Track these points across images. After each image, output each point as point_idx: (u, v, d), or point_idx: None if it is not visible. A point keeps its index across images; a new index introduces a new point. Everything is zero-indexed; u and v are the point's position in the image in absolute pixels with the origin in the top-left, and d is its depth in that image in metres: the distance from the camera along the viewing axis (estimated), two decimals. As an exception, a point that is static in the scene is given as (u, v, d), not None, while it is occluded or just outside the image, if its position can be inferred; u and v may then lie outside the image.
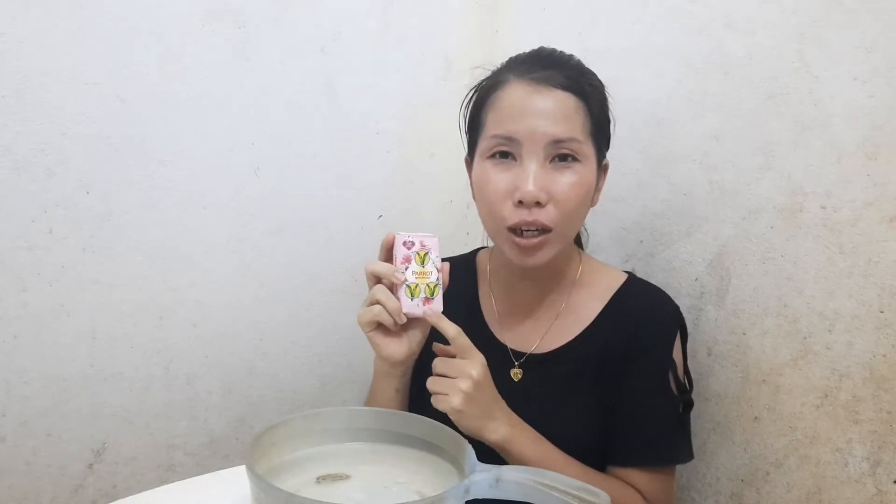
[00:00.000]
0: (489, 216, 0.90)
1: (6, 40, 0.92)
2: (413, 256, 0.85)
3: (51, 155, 0.97)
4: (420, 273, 0.84)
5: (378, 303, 0.84)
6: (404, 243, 0.85)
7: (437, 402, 0.82)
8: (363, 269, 0.87)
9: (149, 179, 1.05)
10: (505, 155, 0.88)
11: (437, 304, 0.85)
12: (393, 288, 0.85)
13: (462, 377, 0.81)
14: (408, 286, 0.84)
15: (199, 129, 1.08)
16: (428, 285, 0.85)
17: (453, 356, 0.84)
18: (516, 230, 0.87)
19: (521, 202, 0.85)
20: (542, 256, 0.88)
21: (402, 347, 0.87)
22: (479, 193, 0.92)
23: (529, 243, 0.87)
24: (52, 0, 0.94)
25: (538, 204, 0.85)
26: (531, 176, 0.85)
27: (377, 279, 0.86)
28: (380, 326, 0.86)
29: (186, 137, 1.07)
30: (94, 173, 1.00)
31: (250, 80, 1.11)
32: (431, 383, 0.83)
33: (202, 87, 1.07)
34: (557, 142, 0.86)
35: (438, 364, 0.84)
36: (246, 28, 1.09)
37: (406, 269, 0.84)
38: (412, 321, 0.86)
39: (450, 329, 0.83)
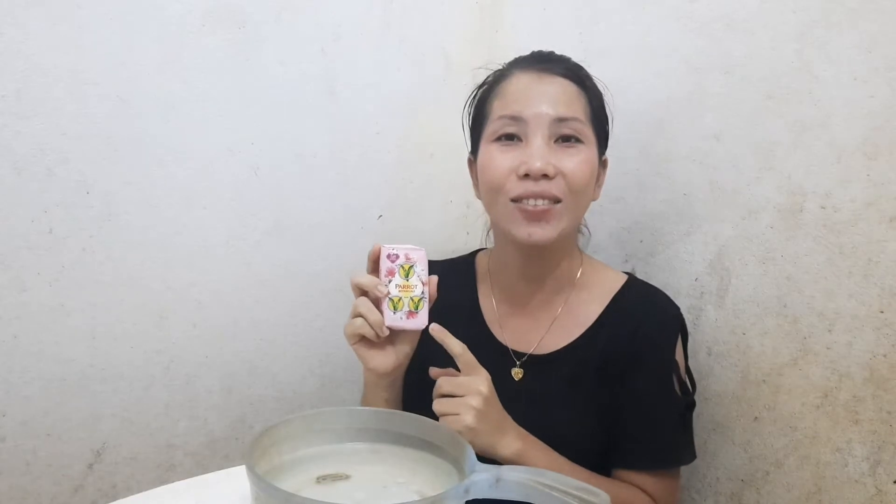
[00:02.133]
0: (492, 192, 0.90)
1: (6, 40, 0.92)
2: (397, 269, 0.84)
3: (51, 155, 0.97)
4: (404, 286, 0.84)
5: (360, 315, 0.84)
6: (388, 256, 0.84)
7: (449, 424, 0.80)
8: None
9: (149, 179, 1.05)
10: (510, 137, 0.89)
11: (422, 318, 0.84)
12: (377, 300, 0.84)
13: (471, 394, 0.81)
14: (390, 299, 0.83)
15: (199, 129, 1.08)
16: (412, 299, 0.84)
17: (453, 377, 0.84)
18: (521, 200, 0.87)
19: (526, 175, 0.86)
20: (549, 230, 0.87)
21: (388, 360, 0.87)
22: (483, 175, 0.92)
23: (537, 209, 0.86)
24: (52, 0, 0.94)
25: (546, 177, 0.86)
26: (537, 151, 0.86)
27: (362, 291, 0.86)
28: (363, 339, 0.86)
29: (186, 137, 1.07)
30: (94, 173, 1.00)
31: (250, 80, 1.11)
32: (439, 405, 0.82)
33: (202, 87, 1.07)
34: (561, 120, 0.87)
35: (444, 384, 0.83)
36: (246, 28, 1.09)
37: (389, 282, 0.84)
38: (399, 334, 0.86)
39: (455, 346, 0.83)
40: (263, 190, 1.15)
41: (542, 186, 0.86)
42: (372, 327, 0.83)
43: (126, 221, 1.04)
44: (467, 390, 0.81)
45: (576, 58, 0.96)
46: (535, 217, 0.87)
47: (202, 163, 1.09)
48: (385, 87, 1.25)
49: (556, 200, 0.87)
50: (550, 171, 0.85)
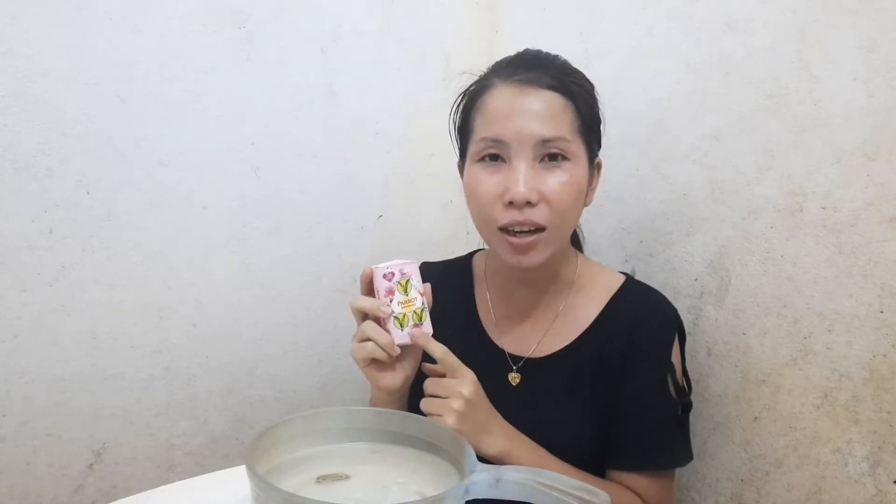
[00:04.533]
0: (481, 219, 0.90)
1: (6, 40, 0.92)
2: (395, 287, 0.84)
3: (51, 155, 0.97)
4: (405, 302, 0.84)
5: (369, 339, 0.84)
6: (384, 276, 0.84)
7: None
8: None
9: (149, 179, 1.05)
10: (494, 158, 0.88)
11: (427, 327, 0.85)
12: (380, 321, 0.85)
13: (454, 397, 0.81)
14: (395, 318, 0.84)
15: (199, 129, 1.08)
16: (415, 312, 0.84)
17: (443, 374, 0.84)
18: (508, 230, 0.87)
19: (511, 203, 0.85)
20: (537, 256, 0.88)
21: (397, 377, 0.87)
22: (470, 197, 0.92)
23: (522, 242, 0.86)
24: (51, 0, 0.94)
25: (529, 204, 0.85)
26: (521, 177, 0.85)
27: (364, 314, 0.85)
28: (374, 361, 0.86)
29: (186, 137, 1.07)
30: (94, 173, 1.00)
31: (250, 80, 1.11)
32: (425, 405, 0.83)
33: (202, 87, 1.07)
34: (545, 141, 0.86)
35: (430, 385, 0.84)
36: (246, 28, 1.09)
37: (391, 301, 0.84)
38: (404, 349, 0.86)
39: (437, 350, 0.83)
40: (263, 190, 1.15)
41: (526, 215, 0.85)
42: (383, 349, 0.83)
43: (126, 221, 1.04)
44: (450, 392, 0.82)
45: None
46: (522, 249, 0.87)
47: (202, 163, 1.09)
48: (385, 87, 1.25)
49: (541, 228, 0.86)
50: (534, 199, 0.85)
